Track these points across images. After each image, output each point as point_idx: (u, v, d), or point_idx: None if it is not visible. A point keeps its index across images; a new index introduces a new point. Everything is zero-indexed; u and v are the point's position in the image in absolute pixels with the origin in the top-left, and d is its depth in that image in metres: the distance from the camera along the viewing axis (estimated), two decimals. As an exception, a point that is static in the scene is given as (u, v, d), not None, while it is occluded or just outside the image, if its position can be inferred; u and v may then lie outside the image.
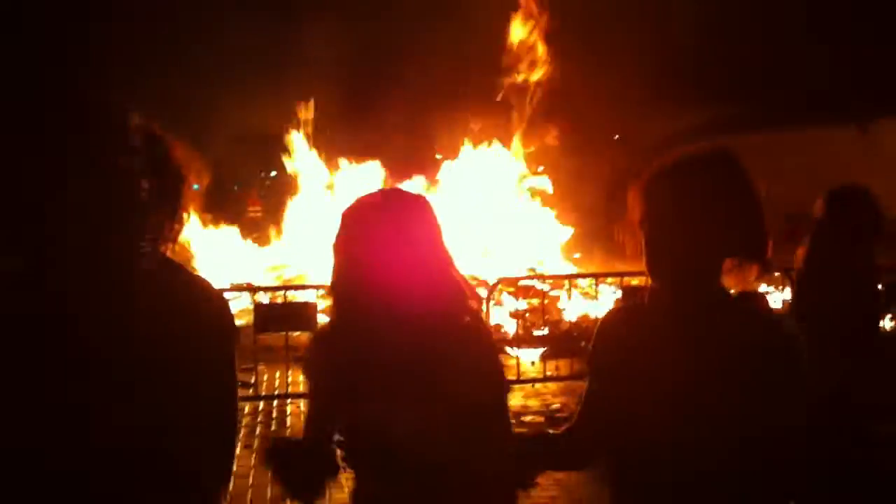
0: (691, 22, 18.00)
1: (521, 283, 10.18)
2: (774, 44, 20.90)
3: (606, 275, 9.70)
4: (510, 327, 9.60)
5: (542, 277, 9.85)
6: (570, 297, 9.47)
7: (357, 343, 2.00)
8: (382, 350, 1.97)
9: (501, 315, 9.87)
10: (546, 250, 13.81)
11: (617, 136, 23.09)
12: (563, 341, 8.91)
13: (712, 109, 24.25)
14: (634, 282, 8.61)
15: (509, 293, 10.23)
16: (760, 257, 1.92)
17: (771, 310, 2.03)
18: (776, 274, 8.27)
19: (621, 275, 8.25)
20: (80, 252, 1.57)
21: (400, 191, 2.14)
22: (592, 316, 9.64)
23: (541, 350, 8.63)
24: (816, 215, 4.35)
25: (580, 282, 10.34)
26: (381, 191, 2.15)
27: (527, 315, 9.77)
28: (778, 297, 9.03)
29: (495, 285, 8.00)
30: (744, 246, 1.90)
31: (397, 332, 1.96)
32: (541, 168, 15.32)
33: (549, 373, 7.91)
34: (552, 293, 10.42)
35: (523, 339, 8.78)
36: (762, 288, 9.36)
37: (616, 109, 19.12)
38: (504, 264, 12.33)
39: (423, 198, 2.09)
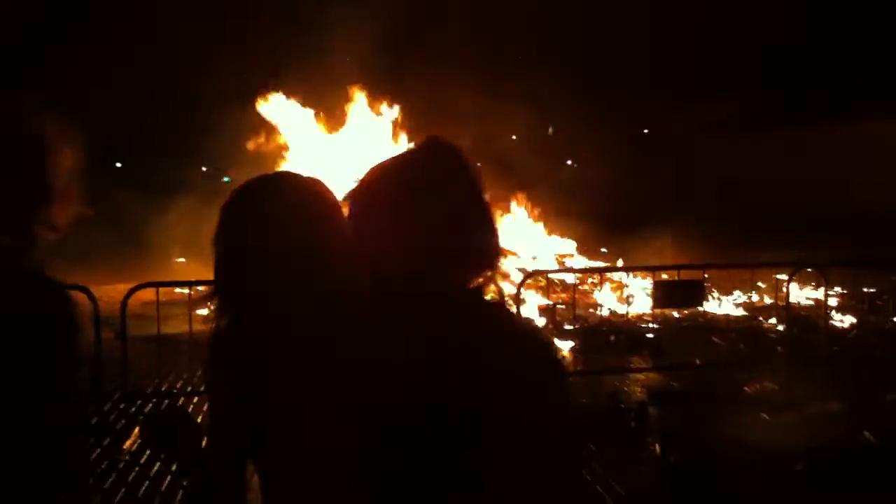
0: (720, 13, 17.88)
1: (552, 275, 10.13)
2: (805, 35, 20.66)
3: (637, 269, 9.64)
4: (540, 321, 9.58)
5: (572, 270, 9.79)
6: (601, 289, 9.41)
7: (265, 338, 1.78)
8: (294, 343, 1.76)
9: (531, 309, 9.84)
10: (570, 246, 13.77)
11: (646, 131, 22.97)
12: (592, 336, 8.90)
13: (741, 103, 24.00)
14: (665, 276, 8.56)
15: (539, 287, 10.21)
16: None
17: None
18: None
19: (653, 269, 8.18)
20: None
21: (291, 174, 1.88)
22: (623, 311, 9.59)
23: (570, 344, 8.61)
24: None
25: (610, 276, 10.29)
26: (269, 175, 1.87)
27: (556, 308, 9.74)
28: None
29: (525, 278, 7.96)
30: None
31: (308, 323, 1.76)
32: (569, 161, 15.26)
33: (577, 367, 7.88)
34: (581, 287, 10.37)
35: (552, 333, 8.75)
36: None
37: (643, 102, 19.05)
38: (533, 259, 12.32)
39: (319, 180, 1.87)
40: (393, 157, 1.71)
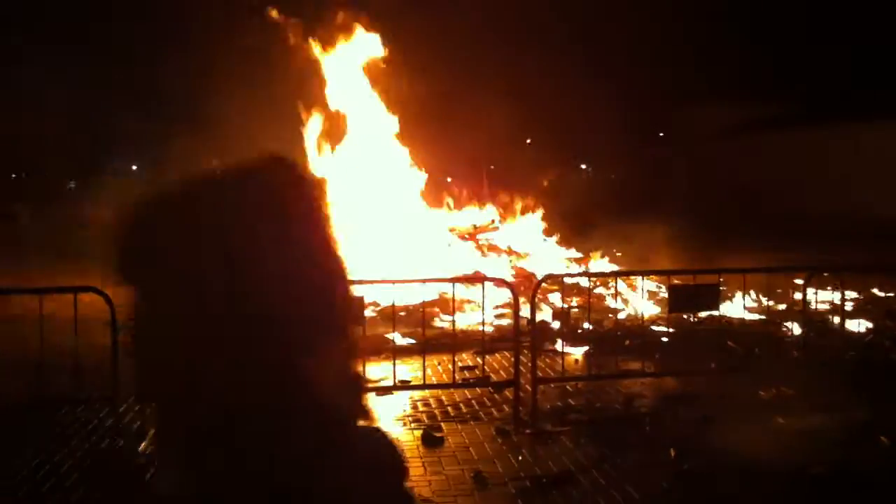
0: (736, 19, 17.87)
1: (567, 279, 10.11)
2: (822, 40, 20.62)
3: (652, 272, 9.62)
4: (554, 325, 9.57)
5: (587, 275, 9.76)
6: (616, 294, 9.38)
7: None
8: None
9: (545, 313, 9.82)
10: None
11: (661, 134, 22.92)
12: (606, 340, 8.87)
13: (758, 106, 23.86)
14: (676, 281, 8.52)
15: (554, 290, 10.19)
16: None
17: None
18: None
19: (668, 272, 8.15)
20: None
21: (221, 179, 1.31)
22: (638, 314, 9.57)
23: (584, 348, 8.58)
24: None
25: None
26: (191, 181, 1.32)
27: (571, 312, 9.73)
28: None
29: (540, 282, 7.94)
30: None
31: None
32: (584, 166, 15.26)
33: (592, 371, 7.85)
34: (596, 291, 10.35)
35: (567, 337, 8.73)
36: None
37: (660, 106, 19.05)
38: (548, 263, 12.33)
39: (260, 182, 1.32)
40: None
